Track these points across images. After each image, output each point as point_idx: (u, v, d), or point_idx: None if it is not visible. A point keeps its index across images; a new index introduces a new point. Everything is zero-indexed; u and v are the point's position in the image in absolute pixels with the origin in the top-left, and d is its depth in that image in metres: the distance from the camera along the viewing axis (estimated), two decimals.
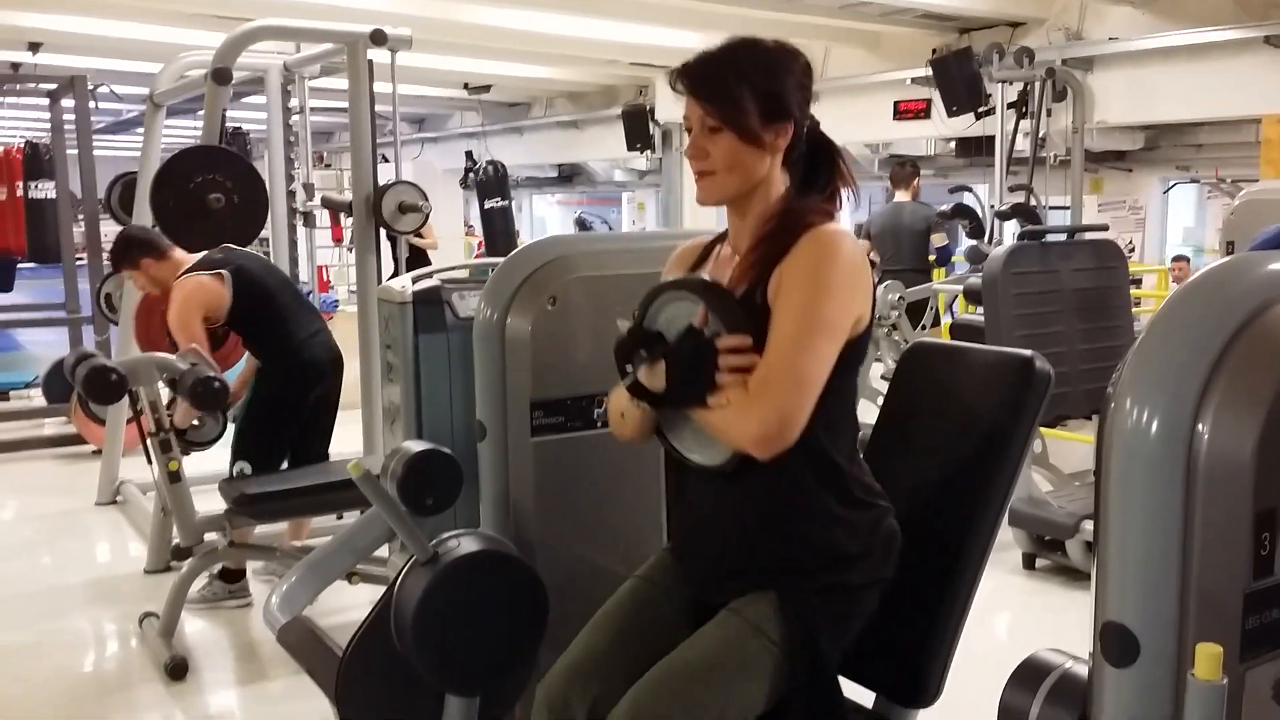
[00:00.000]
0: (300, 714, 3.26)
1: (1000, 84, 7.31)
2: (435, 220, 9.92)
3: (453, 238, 11.76)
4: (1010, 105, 7.35)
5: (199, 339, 3.77)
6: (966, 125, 7.77)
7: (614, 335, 1.88)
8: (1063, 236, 4.73)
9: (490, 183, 10.01)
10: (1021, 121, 7.36)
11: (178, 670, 3.53)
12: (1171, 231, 10.37)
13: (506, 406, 2.27)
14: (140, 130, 6.14)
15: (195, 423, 3.83)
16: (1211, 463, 1.22)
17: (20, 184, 7.24)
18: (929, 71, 7.58)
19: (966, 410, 2.02)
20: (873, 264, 7.60)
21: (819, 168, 1.87)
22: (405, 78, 5.75)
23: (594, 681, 1.85)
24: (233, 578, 4.16)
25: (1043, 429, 4.74)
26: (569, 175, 15.28)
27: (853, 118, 8.77)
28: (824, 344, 1.69)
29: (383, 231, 4.53)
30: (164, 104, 5.78)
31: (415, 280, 2.84)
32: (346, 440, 4.54)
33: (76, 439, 6.63)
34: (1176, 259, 9.41)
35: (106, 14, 7.72)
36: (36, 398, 7.53)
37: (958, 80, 7.41)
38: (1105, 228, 5.09)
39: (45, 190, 7.20)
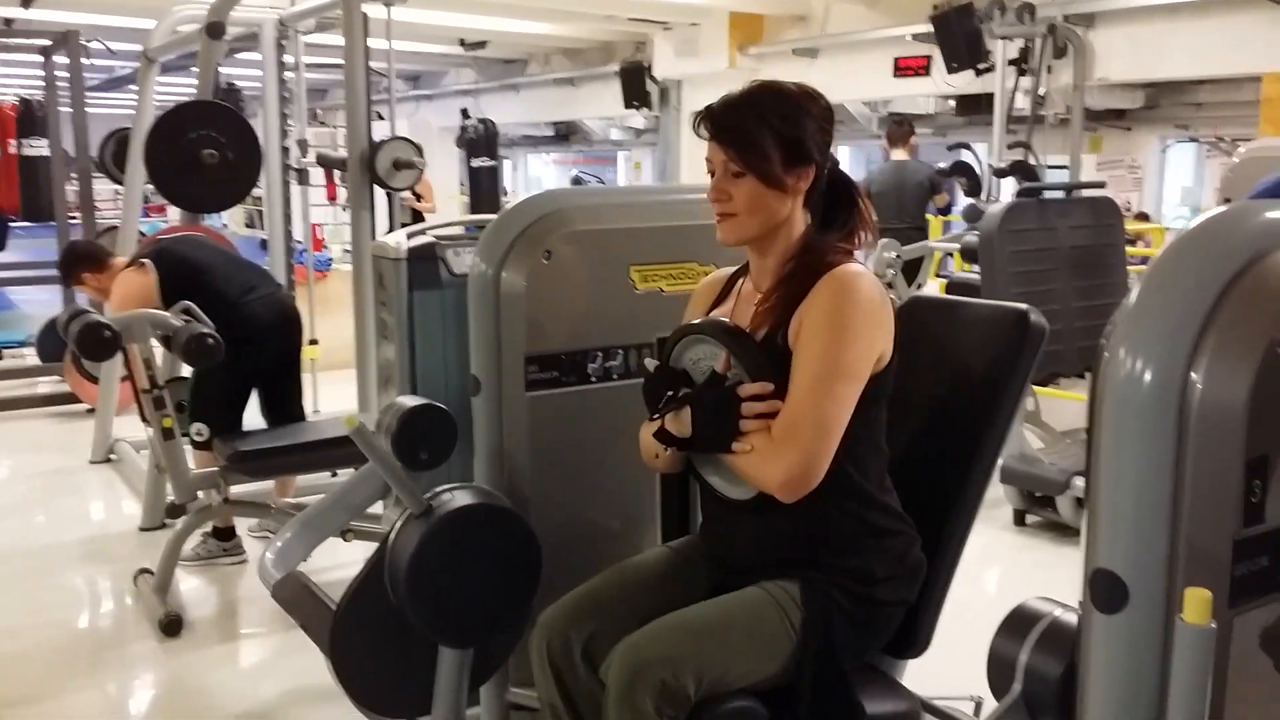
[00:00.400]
0: (295, 669, 3.28)
1: (1001, 40, 7.25)
2: (432, 179, 9.93)
3: (449, 197, 11.68)
4: (1011, 62, 7.29)
5: None
6: (966, 83, 7.71)
7: (610, 290, 1.88)
8: (1060, 194, 4.71)
9: (479, 141, 9.89)
10: (1022, 79, 7.31)
11: (172, 627, 3.55)
12: (1169, 191, 10.32)
13: (501, 361, 2.27)
14: (134, 87, 6.09)
15: None
16: (1204, 410, 1.21)
17: (13, 141, 7.17)
18: (930, 28, 7.51)
19: (962, 363, 2.03)
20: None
21: (838, 206, 1.90)
22: (401, 33, 5.69)
23: (594, 619, 1.87)
24: (226, 535, 4.17)
25: (1036, 387, 4.75)
26: (565, 134, 15.19)
27: (852, 75, 8.71)
28: (845, 389, 1.73)
29: (380, 192, 4.51)
30: (158, 59, 5.73)
31: (410, 237, 2.83)
32: (342, 399, 4.54)
33: (70, 397, 6.63)
34: None
35: None
36: (30, 356, 7.51)
37: (958, 36, 7.34)
38: (1103, 184, 5.06)
39: (38, 148, 7.12)
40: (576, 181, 15.30)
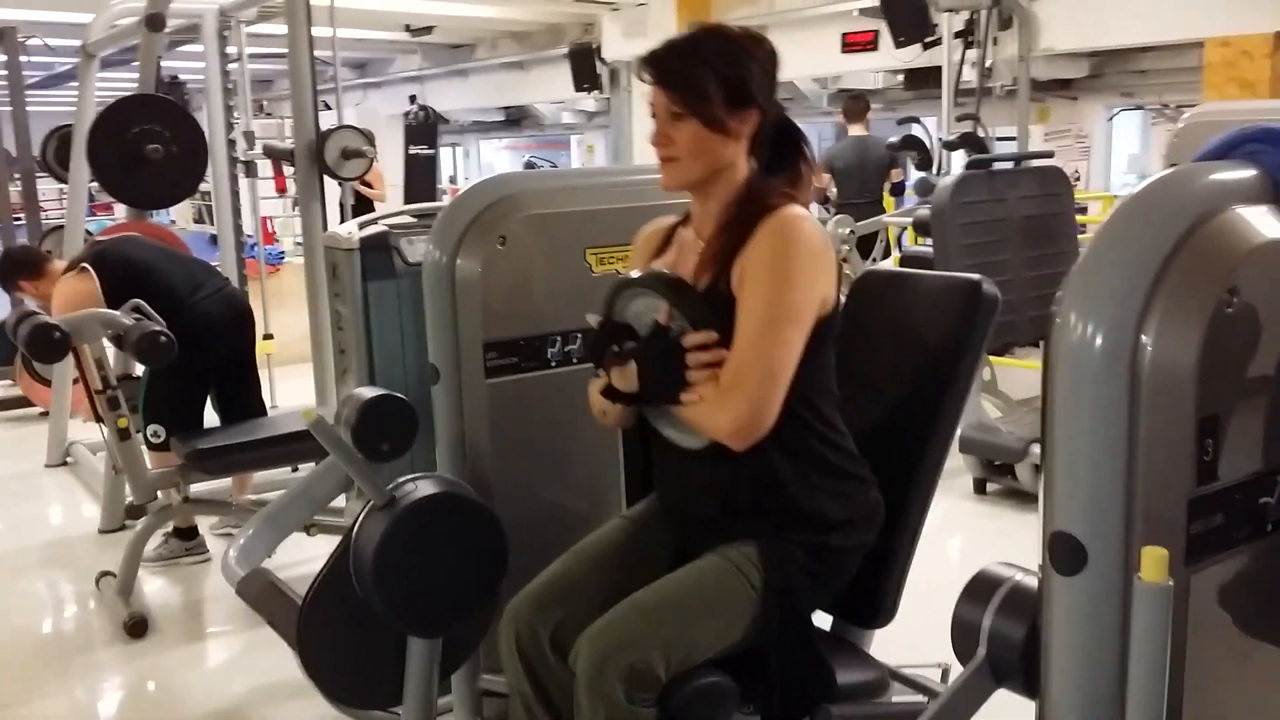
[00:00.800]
0: (264, 665, 3.26)
1: (947, 13, 7.28)
2: (382, 168, 9.82)
3: (397, 185, 11.60)
4: (957, 35, 7.33)
5: None
6: (914, 56, 7.75)
7: (566, 274, 1.87)
8: (1010, 165, 4.75)
9: (418, 128, 9.71)
10: (968, 51, 7.35)
11: (137, 628, 3.51)
12: (1116, 159, 10.43)
13: (459, 349, 2.26)
14: (74, 84, 5.99)
15: None
16: (1155, 372, 1.23)
17: None
18: (876, 2, 7.54)
19: (917, 336, 2.05)
20: (826, 199, 7.61)
21: (784, 153, 1.88)
22: (345, 21, 5.63)
23: (560, 607, 1.87)
24: (189, 535, 4.13)
25: (991, 357, 4.80)
26: (516, 119, 15.07)
27: (801, 51, 8.71)
28: (791, 332, 1.72)
29: (330, 181, 4.46)
30: (97, 54, 5.62)
31: (362, 226, 2.80)
32: (300, 394, 4.50)
33: (23, 401, 6.51)
34: None
35: None
36: None
37: (905, 10, 7.37)
38: (1051, 154, 5.11)
39: None
40: (529, 166, 15.22)
